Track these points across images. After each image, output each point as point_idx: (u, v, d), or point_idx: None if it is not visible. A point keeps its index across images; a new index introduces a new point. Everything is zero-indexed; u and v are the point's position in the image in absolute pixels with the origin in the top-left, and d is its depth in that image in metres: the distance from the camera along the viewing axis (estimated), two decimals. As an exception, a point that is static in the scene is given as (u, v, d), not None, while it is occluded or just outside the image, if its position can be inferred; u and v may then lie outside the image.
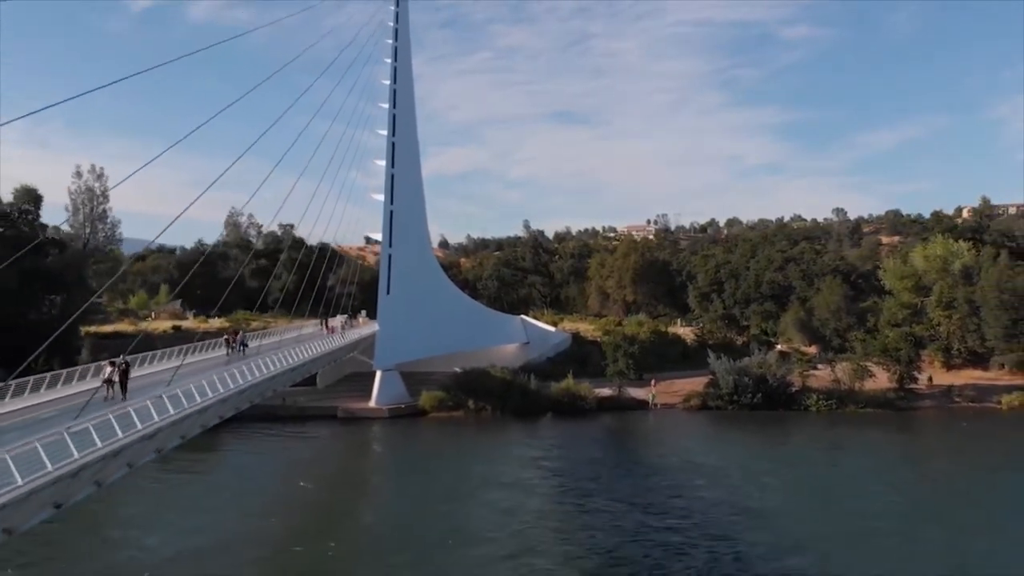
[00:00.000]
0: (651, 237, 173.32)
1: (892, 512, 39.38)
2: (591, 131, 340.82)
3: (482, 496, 41.46)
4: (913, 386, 74.34)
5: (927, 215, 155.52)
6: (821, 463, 52.63)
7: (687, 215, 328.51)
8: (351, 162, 64.26)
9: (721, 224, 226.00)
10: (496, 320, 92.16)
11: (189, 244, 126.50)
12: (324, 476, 48.76)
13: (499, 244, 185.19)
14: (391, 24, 77.42)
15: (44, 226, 78.15)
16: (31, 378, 28.27)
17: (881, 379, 73.83)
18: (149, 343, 51.56)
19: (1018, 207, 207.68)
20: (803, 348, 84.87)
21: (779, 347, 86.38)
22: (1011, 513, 39.87)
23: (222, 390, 26.86)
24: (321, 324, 63.59)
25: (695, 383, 73.92)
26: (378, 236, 73.63)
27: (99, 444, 18.95)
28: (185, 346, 38.42)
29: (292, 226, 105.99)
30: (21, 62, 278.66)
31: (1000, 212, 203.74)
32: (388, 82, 75.36)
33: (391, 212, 72.52)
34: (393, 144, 73.94)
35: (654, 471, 48.45)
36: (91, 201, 74.78)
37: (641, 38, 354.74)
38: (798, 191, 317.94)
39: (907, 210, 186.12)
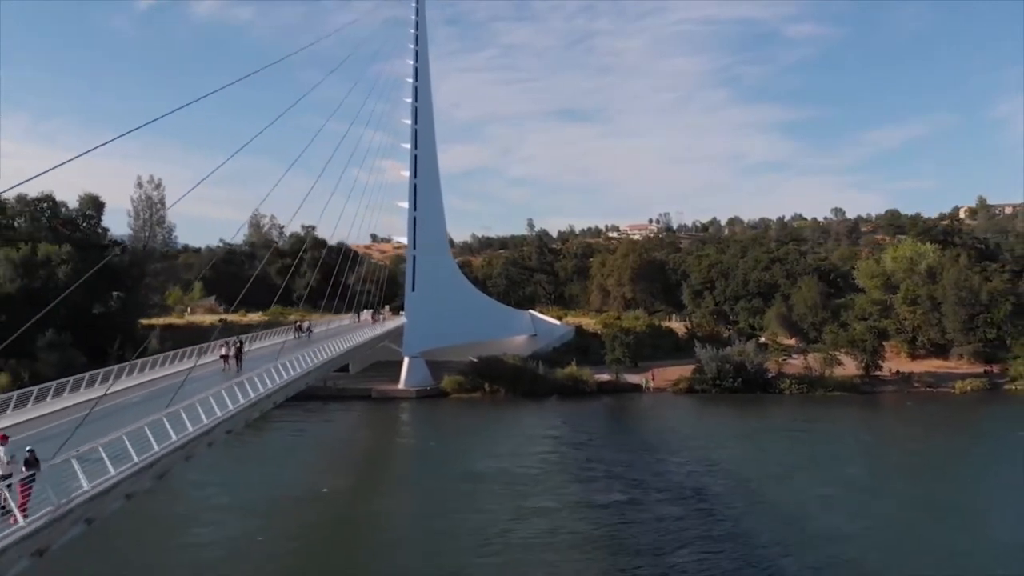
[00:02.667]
0: (651, 236, 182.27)
1: (830, 458, 52.14)
2: (594, 129, 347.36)
3: (508, 448, 52.58)
4: (878, 373, 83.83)
5: (927, 214, 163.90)
6: (785, 430, 63.34)
7: (690, 213, 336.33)
8: (359, 161, 69.01)
9: (723, 223, 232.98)
10: (508, 314, 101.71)
11: (212, 243, 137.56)
12: (411, 433, 62.90)
13: (503, 243, 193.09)
14: (411, 46, 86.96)
15: (106, 229, 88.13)
16: (170, 353, 37.95)
17: (850, 367, 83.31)
18: (201, 334, 60.91)
19: (1014, 207, 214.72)
20: (783, 340, 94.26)
21: (762, 339, 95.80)
22: (921, 458, 54.47)
23: (322, 359, 36.51)
24: (356, 317, 73.64)
25: (685, 370, 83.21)
26: (392, 236, 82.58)
27: (264, 387, 28.45)
28: (270, 329, 48.23)
29: (313, 227, 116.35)
30: (25, 58, 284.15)
31: (998, 212, 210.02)
32: (409, 100, 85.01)
33: (414, 218, 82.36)
34: (415, 156, 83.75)
35: (644, 436, 58.91)
36: (150, 208, 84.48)
37: (645, 36, 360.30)
38: (801, 188, 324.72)
39: (908, 209, 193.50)
